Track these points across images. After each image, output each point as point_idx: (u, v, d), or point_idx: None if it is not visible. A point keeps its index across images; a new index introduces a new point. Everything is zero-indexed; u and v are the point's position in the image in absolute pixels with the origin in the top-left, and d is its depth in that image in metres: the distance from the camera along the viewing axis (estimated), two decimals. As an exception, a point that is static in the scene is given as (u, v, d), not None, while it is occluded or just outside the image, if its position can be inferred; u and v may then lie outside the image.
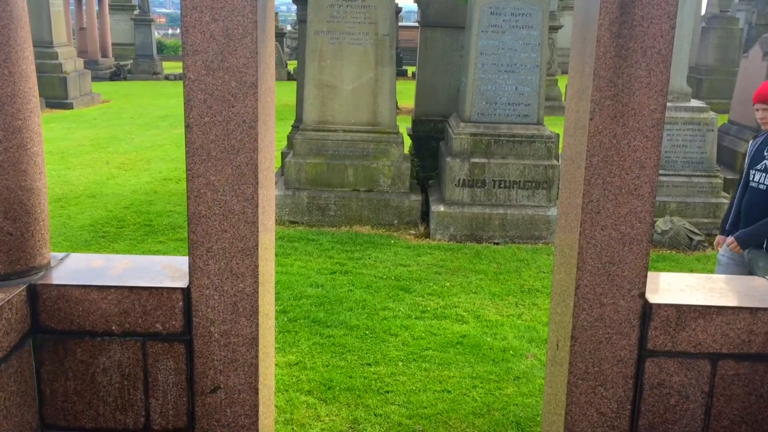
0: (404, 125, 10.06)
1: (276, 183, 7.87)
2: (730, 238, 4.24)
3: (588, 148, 2.71)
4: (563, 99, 15.56)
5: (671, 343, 2.87)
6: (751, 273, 4.15)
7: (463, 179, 7.34)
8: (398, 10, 13.36)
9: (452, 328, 5.10)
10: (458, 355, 4.71)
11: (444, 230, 7.28)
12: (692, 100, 8.13)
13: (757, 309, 2.85)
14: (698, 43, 17.15)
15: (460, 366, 4.56)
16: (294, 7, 10.52)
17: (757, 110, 4.15)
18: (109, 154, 11.21)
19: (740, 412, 2.93)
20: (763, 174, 4.10)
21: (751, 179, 4.17)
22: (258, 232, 2.79)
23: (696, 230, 7.35)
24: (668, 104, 7.68)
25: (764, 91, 4.16)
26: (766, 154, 4.13)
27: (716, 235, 7.76)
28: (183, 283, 2.88)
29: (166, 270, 3.04)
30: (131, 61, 24.42)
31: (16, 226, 2.85)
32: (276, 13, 27.92)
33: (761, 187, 4.10)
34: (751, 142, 4.33)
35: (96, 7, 24.03)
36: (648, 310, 2.84)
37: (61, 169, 9.97)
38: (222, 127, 2.69)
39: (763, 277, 3.60)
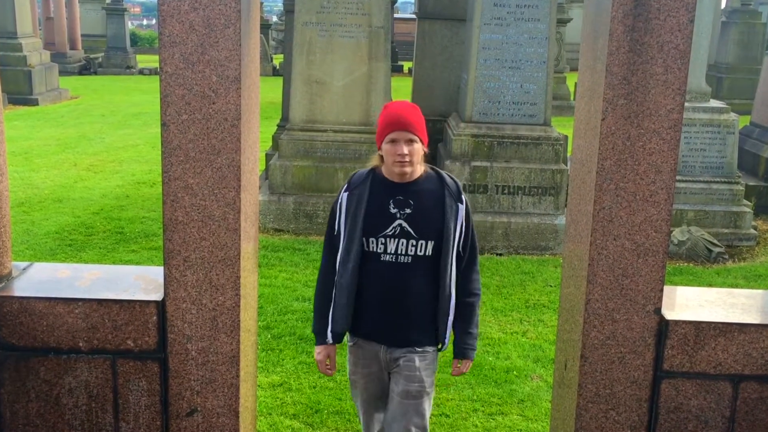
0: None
1: (260, 187, 7.85)
2: (462, 364, 3.10)
3: (599, 151, 2.72)
4: (572, 98, 15.63)
5: (689, 363, 2.87)
6: (384, 379, 3.06)
7: (464, 184, 7.34)
8: (394, 0, 13.40)
9: (451, 347, 5.09)
10: (457, 376, 4.70)
11: (442, 240, 7.27)
12: (711, 100, 8.17)
13: (783, 327, 2.86)
14: (718, 38, 17.26)
15: (459, 388, 4.55)
16: (280, -3, 10.54)
17: (395, 142, 2.85)
18: (78, 155, 11.18)
19: (764, 439, 2.94)
20: (401, 240, 2.90)
21: (375, 250, 2.91)
22: (240, 240, 2.78)
23: (715, 241, 7.38)
24: (686, 105, 7.72)
25: (407, 115, 2.88)
26: (394, 209, 2.91)
27: (736, 246, 7.82)
28: (157, 295, 2.87)
29: (139, 281, 3.03)
30: (102, 53, 24.37)
31: (-26, 233, 2.84)
32: (261, 3, 27.96)
33: (404, 259, 2.91)
34: (344, 194, 2.98)
35: (64, -5, 24.02)
36: (664, 328, 2.84)
37: (25, 171, 9.94)
38: (201, 126, 2.69)
39: (421, 378, 2.95)
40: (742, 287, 6.38)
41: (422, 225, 2.91)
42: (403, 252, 2.91)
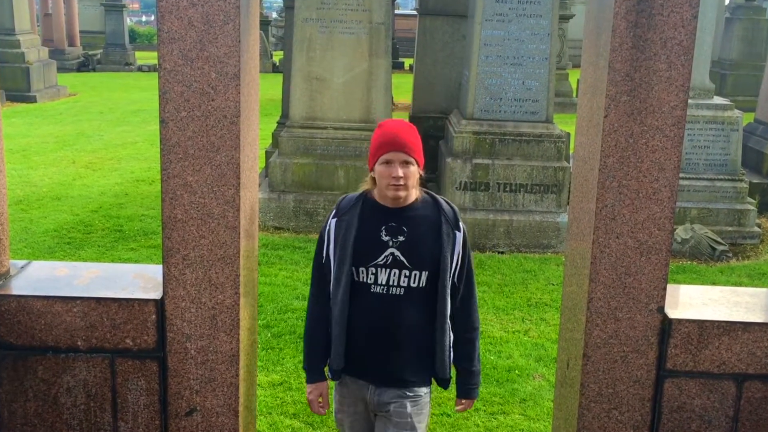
0: (400, 122, 10.03)
1: (259, 185, 7.86)
2: (466, 402, 2.93)
3: (602, 148, 2.71)
4: (575, 95, 15.61)
5: (693, 362, 2.87)
6: (371, 419, 2.87)
7: (465, 182, 7.34)
8: (394, -4, 13.41)
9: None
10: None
11: (443, 238, 7.26)
12: (715, 97, 8.16)
13: (787, 325, 2.86)
14: (722, 35, 17.23)
15: (460, 387, 4.55)
16: (280, -7, 10.53)
17: (389, 163, 2.66)
18: (76, 153, 11.18)
19: (768, 439, 2.94)
20: (393, 270, 2.69)
21: (365, 281, 2.72)
22: (239, 238, 2.78)
23: (719, 239, 7.37)
24: (689, 101, 7.70)
25: (403, 135, 2.68)
26: (386, 237, 2.70)
27: (740, 244, 7.81)
28: (156, 294, 2.87)
29: (138, 280, 3.03)
30: (101, 50, 24.35)
31: (-28, 231, 2.83)
32: (260, -1, 27.93)
33: (396, 291, 2.70)
34: (332, 221, 2.78)
35: (63, -9, 24.00)
36: (667, 326, 2.84)
37: (23, 169, 9.94)
38: (201, 123, 2.69)
39: (413, 424, 2.75)
40: (746, 285, 6.37)
41: (416, 254, 2.69)
42: (395, 283, 2.69)
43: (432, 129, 9.18)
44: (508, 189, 7.36)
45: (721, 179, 7.89)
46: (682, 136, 2.70)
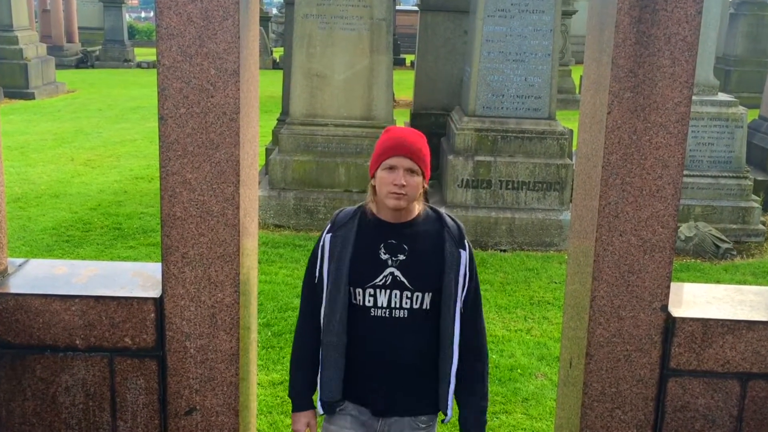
0: (402, 119, 10.05)
1: (259, 182, 7.86)
2: None
3: (605, 145, 2.71)
4: (577, 91, 15.60)
5: (696, 361, 2.87)
6: None
7: (467, 179, 7.34)
8: (396, -8, 13.40)
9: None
10: None
11: (445, 236, 7.26)
12: (719, 93, 8.16)
13: (792, 324, 2.85)
14: (726, 31, 17.22)
15: (462, 386, 4.56)
16: (280, -12, 10.53)
17: (393, 169, 2.45)
18: (75, 150, 11.18)
19: (772, 438, 2.94)
20: (393, 292, 2.51)
21: (364, 303, 2.52)
22: (239, 236, 2.78)
23: (723, 237, 7.37)
24: (693, 98, 7.68)
25: (411, 140, 2.49)
26: (385, 255, 2.51)
27: (744, 242, 7.80)
28: (155, 292, 2.87)
29: (137, 278, 3.03)
30: (100, 47, 24.37)
31: (-31, 229, 2.83)
32: (260, -5, 27.91)
33: (399, 314, 2.51)
34: (326, 236, 2.58)
35: (61, -13, 23.99)
36: (671, 325, 2.84)
37: (21, 166, 9.94)
38: (200, 120, 2.68)
39: None
40: (750, 284, 6.37)
41: (418, 274, 2.50)
42: (397, 305, 2.50)
43: (434, 126, 9.18)
44: (510, 186, 7.36)
45: (725, 176, 7.89)
46: (685, 133, 2.69)
